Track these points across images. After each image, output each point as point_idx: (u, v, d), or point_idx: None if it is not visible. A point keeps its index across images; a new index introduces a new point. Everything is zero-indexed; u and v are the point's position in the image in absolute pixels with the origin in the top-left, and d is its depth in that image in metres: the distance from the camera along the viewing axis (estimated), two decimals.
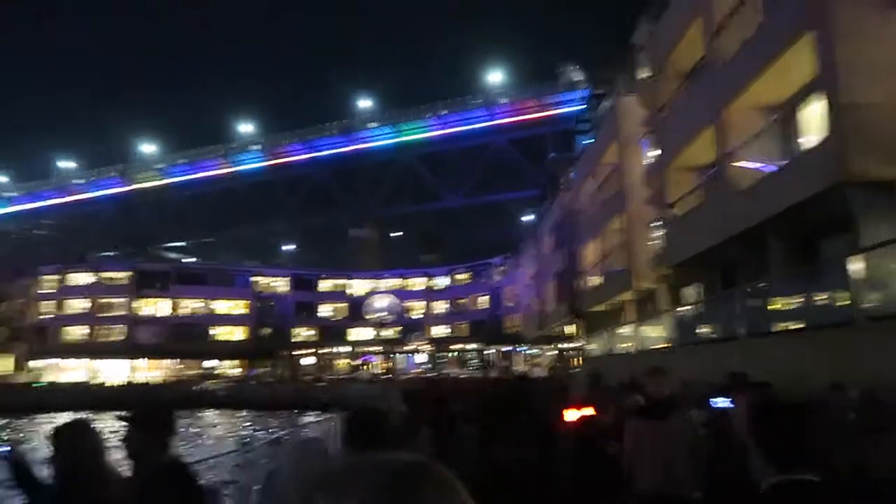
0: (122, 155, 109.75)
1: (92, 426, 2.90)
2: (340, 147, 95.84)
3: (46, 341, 66.18)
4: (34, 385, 55.26)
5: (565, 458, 5.13)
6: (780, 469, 2.07)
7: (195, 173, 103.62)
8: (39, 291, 68.82)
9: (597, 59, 42.34)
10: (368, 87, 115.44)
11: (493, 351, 59.51)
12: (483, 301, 70.97)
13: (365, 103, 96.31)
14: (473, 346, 62.46)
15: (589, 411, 5.54)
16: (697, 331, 16.77)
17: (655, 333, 20.00)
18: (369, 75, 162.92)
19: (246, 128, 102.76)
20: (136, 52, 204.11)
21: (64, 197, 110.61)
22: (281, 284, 75.52)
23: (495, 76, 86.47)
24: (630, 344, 22.54)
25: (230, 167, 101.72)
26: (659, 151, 20.37)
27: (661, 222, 20.79)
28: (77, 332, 67.20)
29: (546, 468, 4.46)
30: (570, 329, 43.94)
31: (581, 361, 39.15)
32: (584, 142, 35.33)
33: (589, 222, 29.62)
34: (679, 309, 19.18)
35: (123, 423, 2.82)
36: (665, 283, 21.62)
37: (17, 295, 70.09)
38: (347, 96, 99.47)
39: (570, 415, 5.53)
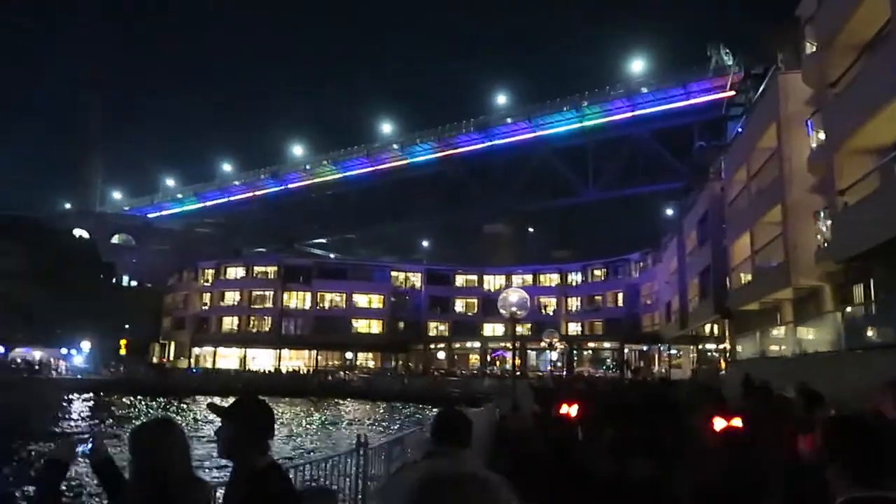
0: (274, 157, 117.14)
1: (175, 425, 2.64)
2: (476, 143, 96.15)
3: (206, 331, 71.73)
4: (193, 371, 59.92)
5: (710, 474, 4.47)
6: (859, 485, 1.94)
7: (340, 173, 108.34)
8: (200, 284, 74.68)
9: (752, 37, 38.93)
10: (505, 83, 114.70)
11: (629, 350, 56.76)
12: (619, 298, 68.13)
13: (501, 99, 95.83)
14: (608, 344, 60.00)
15: (737, 422, 5.00)
16: (869, 335, 14.50)
17: (817, 336, 17.72)
18: (506, 70, 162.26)
19: (386, 128, 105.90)
20: (286, 60, 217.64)
21: (224, 197, 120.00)
22: (416, 279, 76.89)
23: (637, 65, 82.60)
24: (785, 347, 20.23)
25: (373, 166, 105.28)
26: (828, 132, 17.91)
27: (827, 212, 18.40)
28: (231, 323, 72.21)
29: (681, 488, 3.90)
30: (715, 329, 40.86)
31: (727, 364, 36.19)
32: (735, 129, 32.27)
33: (740, 214, 27.01)
34: (849, 309, 16.76)
35: (219, 418, 2.63)
36: (830, 280, 19.14)
37: (182, 288, 76.59)
38: (484, 93, 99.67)
39: (719, 423, 5.00)
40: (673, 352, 52.60)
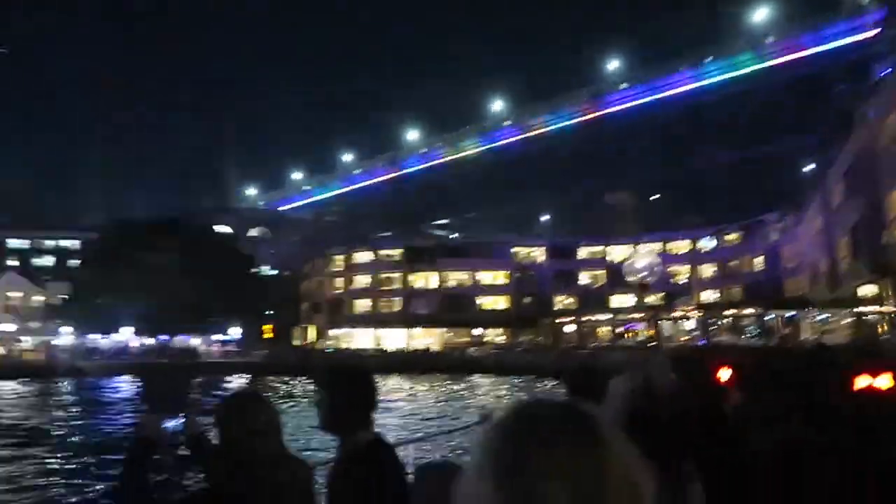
0: (391, 143, 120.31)
1: (260, 400, 2.45)
2: (590, 113, 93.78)
3: (340, 313, 75.24)
4: (326, 351, 63.19)
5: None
6: None
7: (455, 154, 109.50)
8: (332, 270, 78.26)
9: None
10: (616, 48, 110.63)
11: (773, 316, 53.36)
12: (758, 262, 64.17)
13: (613, 65, 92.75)
14: (749, 311, 56.75)
15: (885, 380, 4.27)
16: None
17: None
18: (617, 34, 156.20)
19: (496, 106, 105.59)
20: (391, 49, 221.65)
21: (347, 186, 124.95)
22: (539, 254, 76.41)
23: (760, 14, 77.03)
24: None
25: (486, 145, 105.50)
26: None
27: None
28: (363, 305, 75.24)
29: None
30: (872, 290, 37.57)
31: (889, 328, 33.29)
32: (883, 69, 29.31)
33: None
34: None
35: (316, 388, 2.47)
36: None
37: (315, 274, 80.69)
38: (593, 60, 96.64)
39: (862, 381, 4.38)
40: (823, 317, 49.03)
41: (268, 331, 69.63)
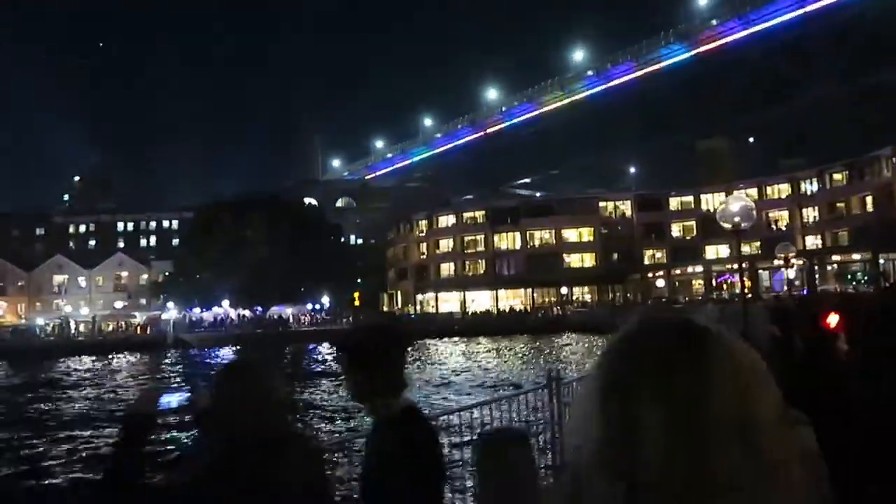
0: (470, 104, 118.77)
1: (250, 370, 2.25)
2: (680, 54, 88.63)
3: (426, 278, 75.77)
4: (410, 316, 63.82)
5: None
6: None
7: (537, 110, 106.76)
8: (416, 235, 78.71)
9: None
10: None
11: (886, 261, 49.12)
12: (868, 202, 59.05)
13: (703, 0, 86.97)
14: (858, 256, 52.51)
15: None
16: None
17: None
18: None
19: (578, 55, 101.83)
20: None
21: (430, 150, 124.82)
22: (626, 208, 73.76)
23: None
24: None
25: (567, 97, 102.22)
26: None
27: None
28: (448, 269, 75.40)
29: None
30: None
31: None
32: None
33: None
34: None
35: (344, 359, 2.31)
36: None
37: (400, 241, 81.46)
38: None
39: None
40: None
41: (356, 298, 71.13)
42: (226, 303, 66.96)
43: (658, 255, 71.07)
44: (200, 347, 53.25)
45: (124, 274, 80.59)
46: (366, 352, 2.24)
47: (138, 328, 65.88)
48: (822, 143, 71.31)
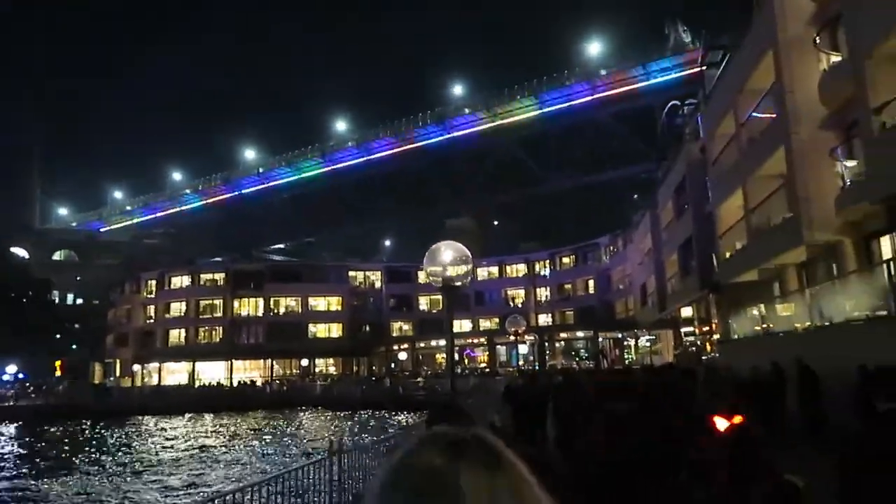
0: (226, 163, 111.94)
1: None
2: (435, 137, 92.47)
3: (151, 345, 66.58)
4: (103, 389, 55.40)
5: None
6: None
7: (295, 175, 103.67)
8: (143, 297, 69.45)
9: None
10: (460, 73, 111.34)
11: (604, 339, 53.24)
12: (590, 285, 64.78)
13: (458, 90, 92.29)
14: (581, 334, 56.49)
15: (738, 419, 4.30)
16: None
17: (845, 302, 14.44)
18: (459, 61, 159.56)
19: (340, 125, 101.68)
20: (230, 68, 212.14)
21: (176, 207, 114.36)
22: (376, 278, 72.77)
23: (595, 47, 79.65)
24: (793, 319, 17.18)
25: (328, 167, 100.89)
26: (856, 37, 14.44)
27: (844, 149, 15.28)
28: (178, 336, 67.16)
29: None
30: (694, 311, 37.53)
31: (712, 346, 32.78)
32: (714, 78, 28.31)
33: (728, 172, 23.42)
34: None
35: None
36: (852, 233, 15.87)
37: (124, 302, 71.30)
38: (439, 85, 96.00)
39: (721, 423, 4.31)
40: (650, 338, 49.31)
41: (58, 367, 59.75)
42: None
43: (406, 326, 70.67)
44: None
45: None
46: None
47: None
48: (557, 231, 77.98)
